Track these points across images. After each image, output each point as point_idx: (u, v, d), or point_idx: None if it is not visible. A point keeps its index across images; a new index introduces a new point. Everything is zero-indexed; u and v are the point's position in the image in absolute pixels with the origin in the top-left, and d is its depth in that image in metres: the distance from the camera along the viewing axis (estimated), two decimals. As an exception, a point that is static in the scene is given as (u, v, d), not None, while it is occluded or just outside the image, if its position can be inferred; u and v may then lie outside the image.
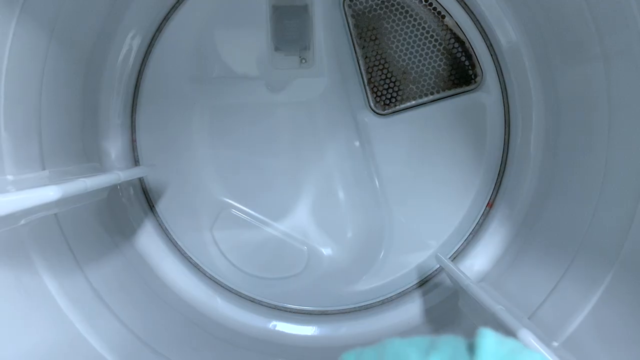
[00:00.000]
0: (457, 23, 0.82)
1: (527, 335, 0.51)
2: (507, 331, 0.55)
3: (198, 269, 0.87)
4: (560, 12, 0.65)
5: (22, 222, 0.54)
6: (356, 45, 0.84)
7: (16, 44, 0.55)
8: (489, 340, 0.30)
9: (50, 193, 0.51)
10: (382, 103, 0.85)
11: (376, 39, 0.84)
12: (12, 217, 0.52)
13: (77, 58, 0.70)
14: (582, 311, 0.57)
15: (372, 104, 0.85)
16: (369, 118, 0.86)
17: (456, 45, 0.83)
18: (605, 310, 0.55)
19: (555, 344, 0.57)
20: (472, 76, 0.84)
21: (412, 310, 0.84)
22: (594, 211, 0.60)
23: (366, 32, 0.84)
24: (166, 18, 0.83)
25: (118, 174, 0.65)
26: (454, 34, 0.83)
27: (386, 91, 0.85)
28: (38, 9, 0.57)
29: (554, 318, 0.60)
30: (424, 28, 0.83)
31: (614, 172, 0.58)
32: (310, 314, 0.87)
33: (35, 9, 0.56)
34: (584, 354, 0.54)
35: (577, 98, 0.67)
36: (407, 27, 0.83)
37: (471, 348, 0.30)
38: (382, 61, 0.84)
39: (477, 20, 0.82)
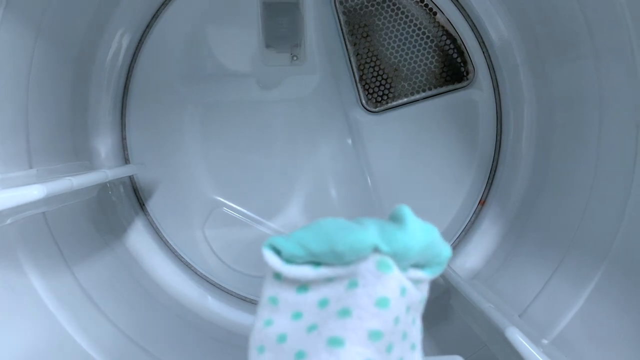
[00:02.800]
0: (448, 20, 0.82)
1: (514, 334, 0.51)
2: (496, 329, 0.55)
3: (189, 268, 0.87)
4: (551, 9, 0.65)
5: (9, 221, 0.54)
6: (347, 43, 0.83)
7: (0, 41, 0.54)
8: (408, 209, 0.34)
9: (34, 192, 0.50)
10: (374, 100, 0.85)
11: (367, 35, 0.83)
12: (-3, 216, 0.52)
13: (65, 55, 0.70)
14: (572, 309, 0.57)
15: (363, 101, 0.85)
16: (360, 115, 0.86)
17: (448, 42, 0.83)
18: (594, 307, 0.55)
19: (545, 341, 0.57)
20: (464, 73, 0.83)
21: (404, 308, 0.84)
22: (584, 209, 0.60)
23: (357, 29, 0.83)
24: (156, 15, 0.82)
25: (105, 172, 0.64)
26: (446, 30, 0.82)
27: (378, 88, 0.84)
28: (24, 5, 0.57)
29: (545, 316, 0.60)
30: (415, 25, 0.83)
31: (604, 169, 0.58)
32: (303, 312, 0.87)
33: (20, 5, 0.56)
34: (574, 352, 0.54)
35: (568, 95, 0.67)
36: (399, 24, 0.83)
37: (393, 219, 0.34)
38: (374, 58, 0.84)
39: (469, 16, 0.81)
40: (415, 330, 0.35)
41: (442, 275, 0.79)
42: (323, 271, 0.32)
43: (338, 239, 0.31)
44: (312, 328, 0.32)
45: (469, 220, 0.85)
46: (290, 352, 0.31)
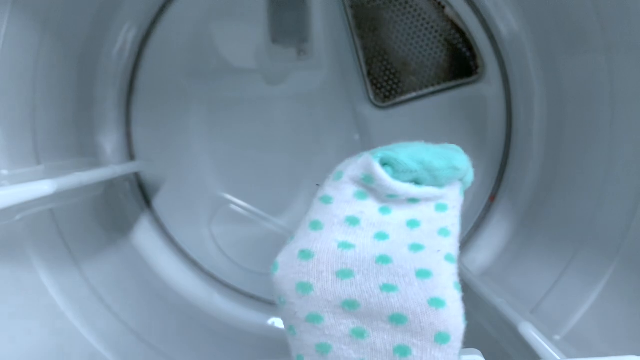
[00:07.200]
0: (457, 13, 0.81)
1: (528, 329, 0.51)
2: (508, 325, 0.55)
3: (196, 265, 0.86)
4: (561, 1, 0.64)
5: (18, 217, 0.53)
6: (355, 37, 0.83)
7: (8, 38, 0.54)
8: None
9: (45, 187, 0.50)
10: (382, 95, 0.84)
11: (376, 29, 0.82)
12: (7, 212, 0.51)
13: (71, 51, 0.69)
14: (585, 304, 0.56)
15: (371, 96, 0.84)
16: (368, 110, 0.85)
17: (457, 36, 0.82)
18: (607, 303, 0.54)
19: (557, 337, 0.56)
20: (474, 67, 0.83)
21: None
22: (596, 204, 0.60)
23: (365, 23, 0.82)
24: (162, 10, 0.82)
25: (114, 168, 0.64)
26: (455, 24, 0.82)
27: (386, 83, 0.84)
28: (30, 2, 0.56)
29: (557, 311, 0.60)
30: (424, 19, 0.82)
31: (616, 164, 0.58)
32: (310, 309, 0.86)
33: (27, 2, 0.55)
34: (587, 347, 0.54)
35: (579, 90, 0.66)
36: (407, 18, 0.82)
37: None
38: (382, 52, 0.83)
39: (478, 10, 0.81)
40: None
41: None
42: (427, 189, 0.34)
43: (454, 156, 0.34)
44: (417, 247, 0.32)
45: (479, 216, 0.85)
46: (410, 269, 0.30)
